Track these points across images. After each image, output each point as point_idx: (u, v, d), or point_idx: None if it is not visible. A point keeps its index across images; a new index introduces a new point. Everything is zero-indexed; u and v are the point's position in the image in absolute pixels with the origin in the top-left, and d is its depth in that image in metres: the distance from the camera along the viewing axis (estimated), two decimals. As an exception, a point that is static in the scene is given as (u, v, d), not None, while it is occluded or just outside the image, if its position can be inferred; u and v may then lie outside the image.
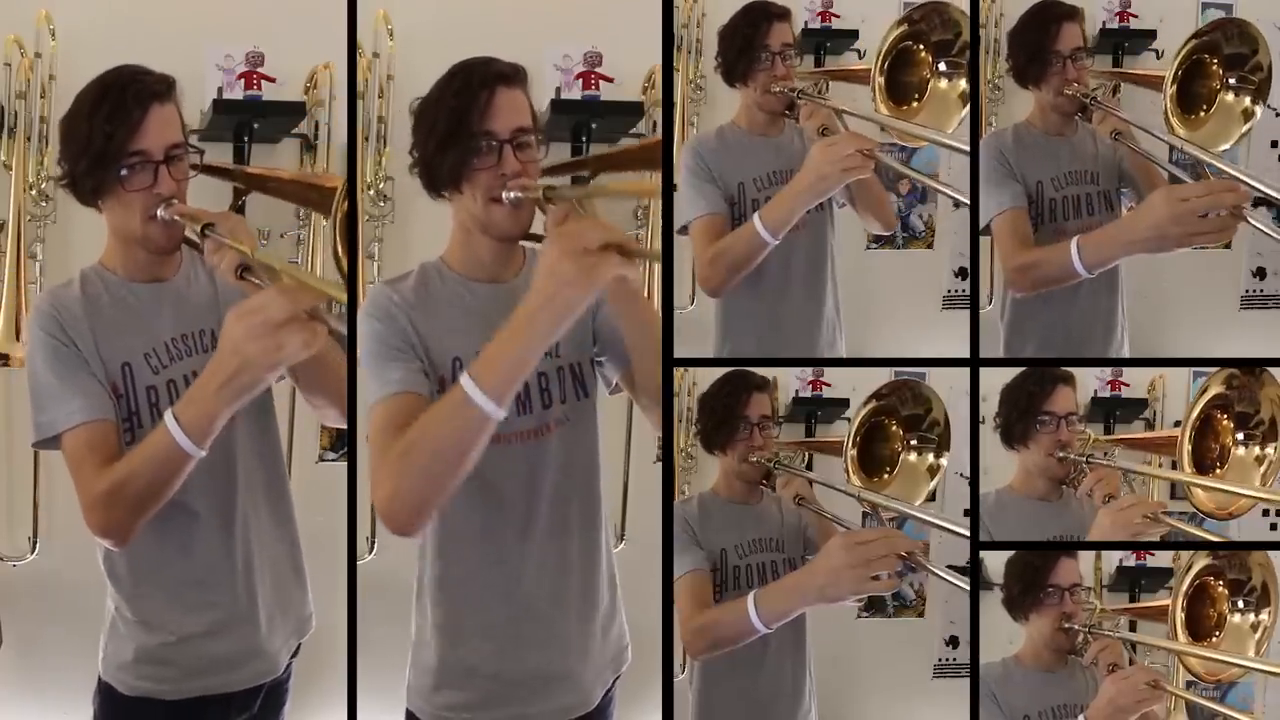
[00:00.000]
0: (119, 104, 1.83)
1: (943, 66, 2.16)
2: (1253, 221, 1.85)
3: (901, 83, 2.19)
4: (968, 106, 2.15)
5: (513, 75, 1.80)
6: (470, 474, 1.66)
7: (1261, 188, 1.85)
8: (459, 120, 1.76)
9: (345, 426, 2.03)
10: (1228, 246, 2.84)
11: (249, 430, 1.96)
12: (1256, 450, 2.03)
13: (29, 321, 1.92)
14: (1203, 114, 2.03)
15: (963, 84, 2.16)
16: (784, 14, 2.26)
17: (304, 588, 2.09)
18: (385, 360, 1.76)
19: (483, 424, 1.61)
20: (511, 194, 1.76)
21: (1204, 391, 2.04)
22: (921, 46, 2.17)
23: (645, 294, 2.87)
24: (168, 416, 1.75)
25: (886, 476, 2.19)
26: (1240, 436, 2.04)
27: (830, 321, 2.32)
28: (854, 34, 2.81)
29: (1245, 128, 2.01)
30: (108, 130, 1.82)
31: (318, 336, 1.65)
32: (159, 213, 1.85)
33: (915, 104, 2.20)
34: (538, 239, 1.81)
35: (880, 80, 2.16)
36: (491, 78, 1.77)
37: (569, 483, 1.86)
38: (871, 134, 2.14)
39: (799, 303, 2.28)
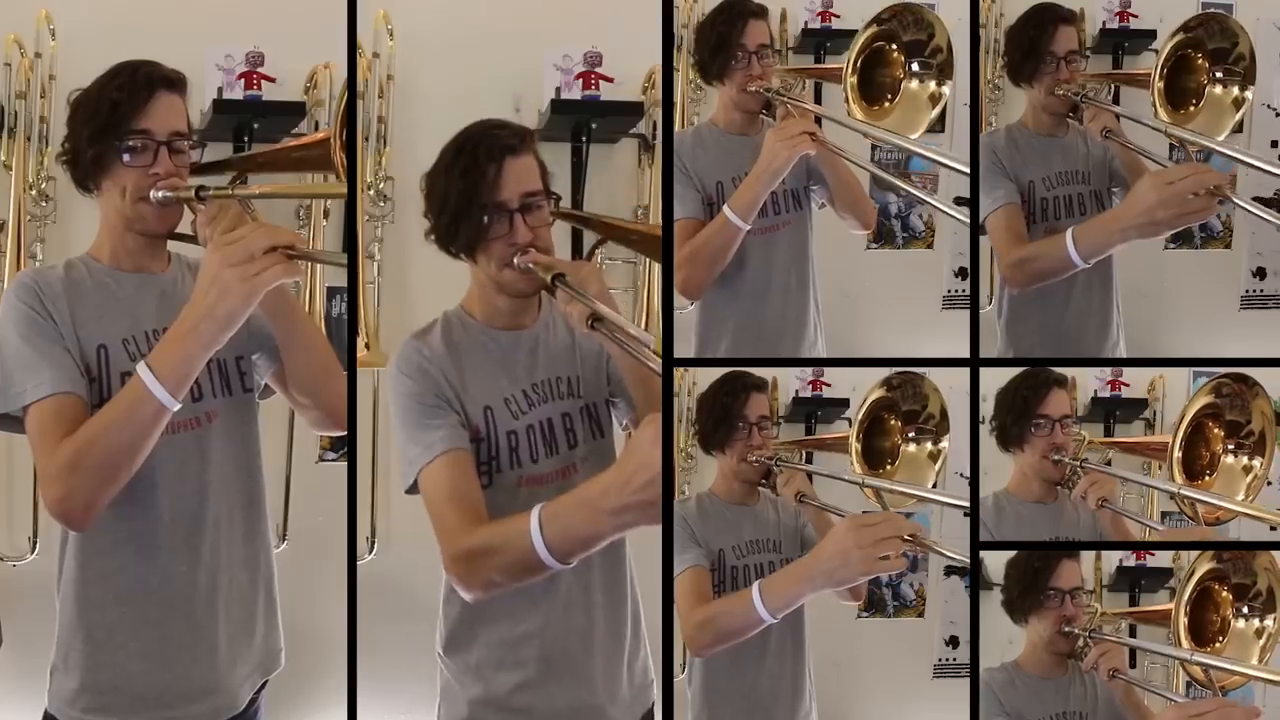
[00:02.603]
0: (130, 82, 1.84)
1: (915, 67, 2.18)
2: (1236, 200, 1.93)
3: (875, 82, 2.20)
4: (938, 107, 2.17)
5: (519, 145, 1.82)
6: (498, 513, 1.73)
7: (1255, 162, 1.94)
8: (470, 194, 1.79)
9: (330, 432, 2.02)
10: (1228, 246, 2.85)
11: (227, 430, 1.90)
12: (1244, 460, 2.04)
13: (6, 293, 1.86)
14: (1192, 108, 2.07)
15: (933, 85, 2.17)
16: (760, 11, 2.26)
17: (274, 619, 2.00)
18: (423, 420, 1.78)
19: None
20: (523, 264, 1.80)
21: (1193, 403, 2.05)
22: (894, 46, 2.18)
23: (644, 294, 2.88)
24: (140, 366, 1.70)
25: (889, 468, 2.19)
26: (1230, 445, 2.04)
27: (813, 322, 2.33)
28: (854, 34, 2.81)
29: (1237, 116, 2.05)
30: (116, 99, 1.83)
31: (294, 268, 1.69)
32: (153, 194, 1.83)
33: (888, 104, 2.20)
34: (551, 289, 1.83)
35: (853, 80, 2.17)
36: (499, 150, 1.80)
37: None
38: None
39: (780, 305, 2.29)
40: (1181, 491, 2.01)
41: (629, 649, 1.94)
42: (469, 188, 1.79)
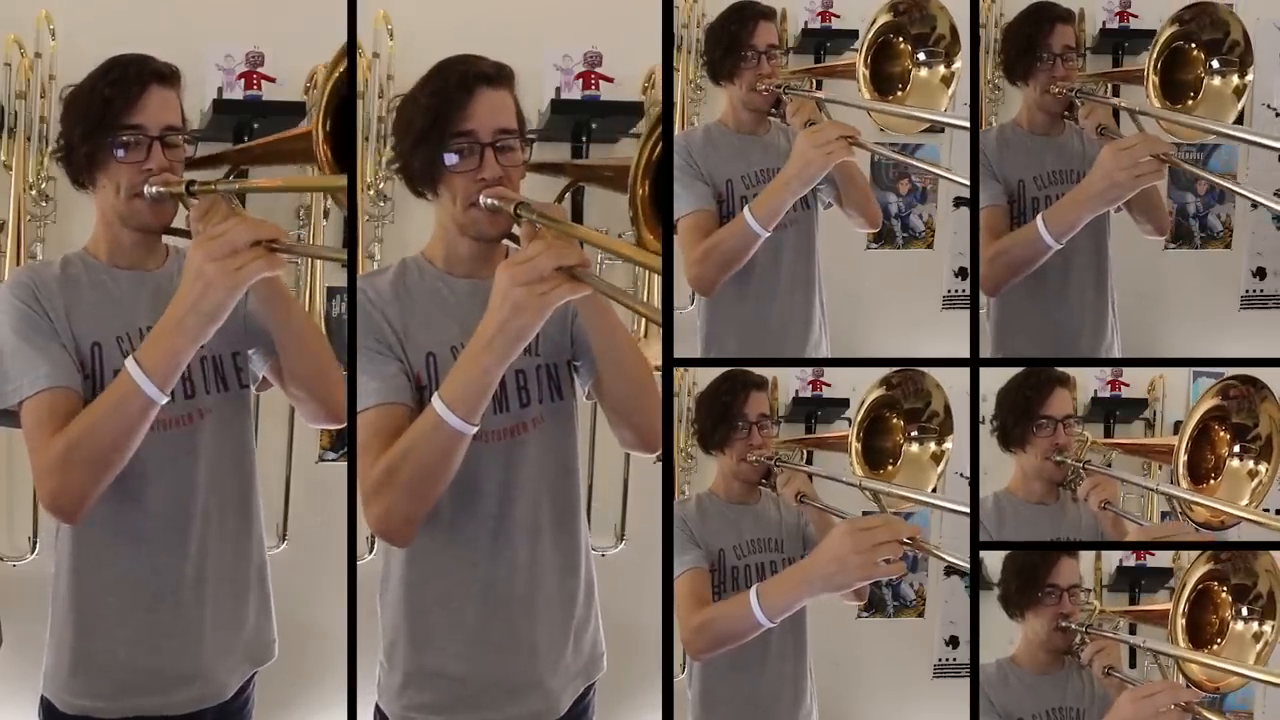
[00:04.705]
0: (122, 77, 1.84)
1: (922, 56, 2.20)
2: (1179, 162, 2.04)
3: (885, 75, 2.21)
4: (949, 88, 2.19)
5: (496, 76, 1.78)
6: None
7: (1262, 140, 1.98)
8: (435, 120, 1.75)
9: (327, 425, 2.03)
10: (1228, 246, 2.85)
11: (220, 426, 1.92)
12: (1250, 464, 2.03)
13: (2, 290, 1.87)
14: (1190, 102, 2.07)
15: (942, 69, 2.19)
16: (769, 13, 2.27)
17: (267, 612, 2.02)
18: (364, 366, 1.77)
19: (457, 440, 1.67)
20: (489, 201, 1.75)
21: (1200, 405, 2.05)
22: (901, 39, 2.20)
23: (644, 295, 2.88)
24: (128, 362, 1.71)
25: (890, 468, 2.19)
26: (1236, 449, 2.04)
27: (818, 321, 2.32)
28: (854, 34, 2.81)
29: (1240, 104, 2.06)
30: (107, 95, 1.82)
31: (277, 261, 1.69)
32: (147, 189, 1.83)
33: (900, 93, 2.22)
34: (517, 219, 1.79)
35: (865, 72, 2.18)
36: (473, 78, 1.76)
37: (544, 484, 1.85)
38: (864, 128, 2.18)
39: (786, 304, 2.28)
40: (1185, 497, 2.01)
41: (579, 619, 1.91)
42: (437, 114, 1.75)
